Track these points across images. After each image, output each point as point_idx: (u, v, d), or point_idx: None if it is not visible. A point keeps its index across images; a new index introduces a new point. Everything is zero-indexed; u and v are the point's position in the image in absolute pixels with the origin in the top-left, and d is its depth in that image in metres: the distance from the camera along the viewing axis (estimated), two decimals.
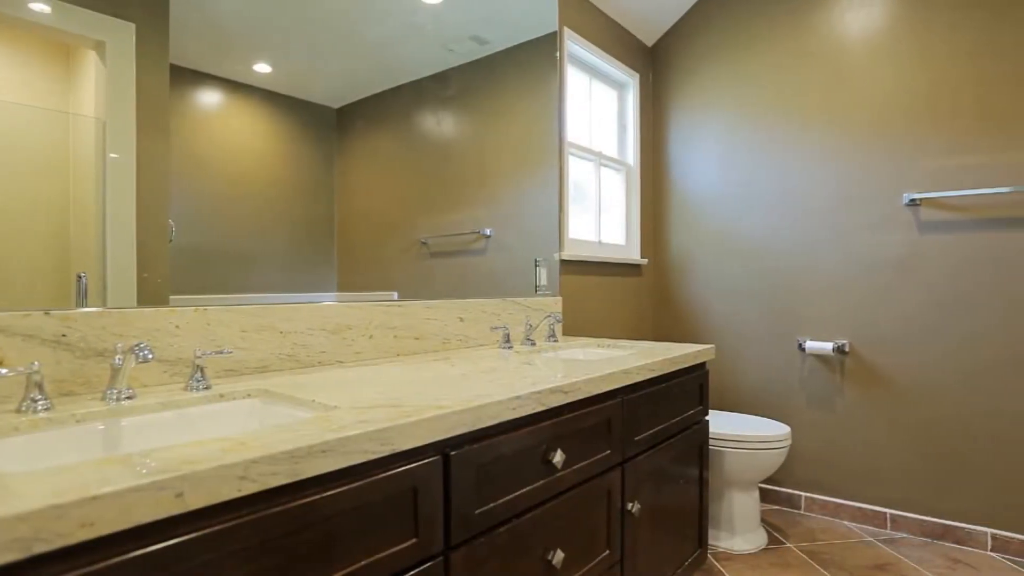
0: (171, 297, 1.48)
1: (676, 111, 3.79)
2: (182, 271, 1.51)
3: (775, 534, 2.98)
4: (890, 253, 3.01)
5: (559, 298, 2.91)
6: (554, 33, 2.92)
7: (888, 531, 3.00)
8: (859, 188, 3.10)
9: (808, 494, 3.26)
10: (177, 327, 1.46)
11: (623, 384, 1.76)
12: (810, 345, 3.19)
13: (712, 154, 3.63)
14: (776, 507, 3.35)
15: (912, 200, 2.91)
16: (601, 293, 3.34)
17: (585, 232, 3.37)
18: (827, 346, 3.13)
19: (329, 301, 1.87)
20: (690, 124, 3.73)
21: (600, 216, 3.48)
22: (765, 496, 3.41)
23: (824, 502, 3.21)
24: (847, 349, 3.13)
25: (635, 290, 3.69)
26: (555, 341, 2.60)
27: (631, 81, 3.72)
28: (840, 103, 3.15)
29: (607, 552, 1.72)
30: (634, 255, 3.73)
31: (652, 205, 3.92)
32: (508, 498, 1.33)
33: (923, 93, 2.91)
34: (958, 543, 2.82)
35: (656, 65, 3.89)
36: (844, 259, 3.15)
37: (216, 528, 0.80)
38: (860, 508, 3.09)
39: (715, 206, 3.62)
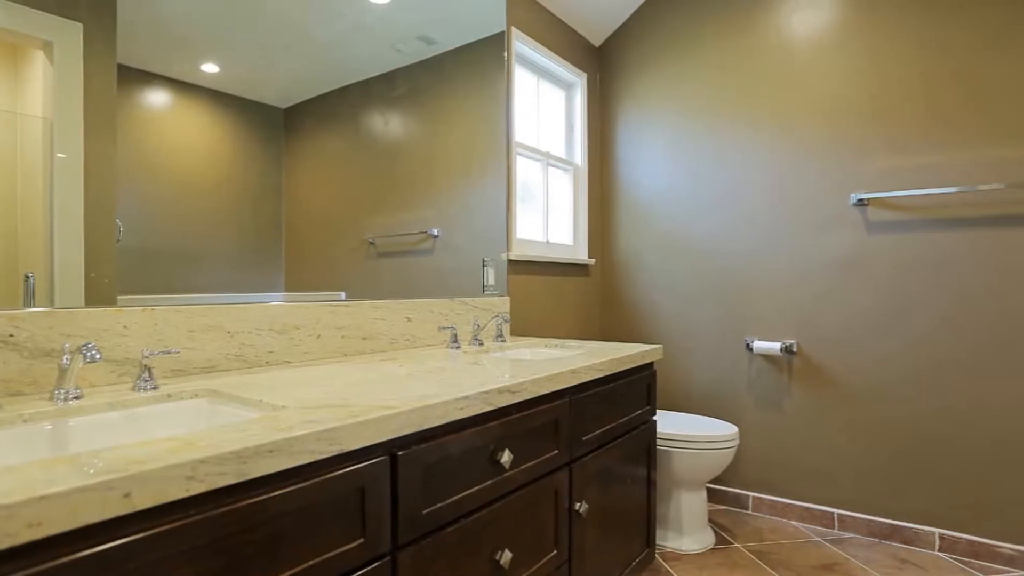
0: (119, 297, 1.47)
1: (624, 111, 3.83)
2: (130, 271, 1.50)
3: (723, 534, 3.00)
4: (838, 253, 3.05)
5: (507, 298, 2.93)
6: (502, 33, 2.94)
7: (836, 531, 3.03)
8: (807, 188, 3.13)
9: (756, 494, 3.30)
10: (125, 327, 1.45)
11: (571, 384, 1.79)
12: (758, 345, 3.22)
13: (660, 154, 3.67)
14: (724, 507, 3.38)
15: (860, 200, 2.94)
16: (549, 293, 3.37)
17: (533, 232, 3.40)
18: (775, 346, 3.17)
19: (277, 301, 1.87)
20: (638, 124, 3.76)
21: (548, 216, 3.52)
22: (713, 496, 3.45)
23: (772, 502, 3.24)
24: (795, 349, 3.17)
25: (583, 290, 3.73)
26: (503, 341, 2.62)
27: (579, 81, 3.76)
28: (788, 103, 3.19)
29: (555, 552, 1.75)
30: (582, 255, 3.77)
31: (600, 205, 3.95)
32: (456, 498, 1.35)
33: (871, 93, 2.95)
34: (906, 543, 2.85)
35: (604, 65, 3.92)
36: (792, 259, 3.18)
37: (164, 528, 0.81)
38: (808, 508, 3.13)
39: (663, 206, 3.66)
